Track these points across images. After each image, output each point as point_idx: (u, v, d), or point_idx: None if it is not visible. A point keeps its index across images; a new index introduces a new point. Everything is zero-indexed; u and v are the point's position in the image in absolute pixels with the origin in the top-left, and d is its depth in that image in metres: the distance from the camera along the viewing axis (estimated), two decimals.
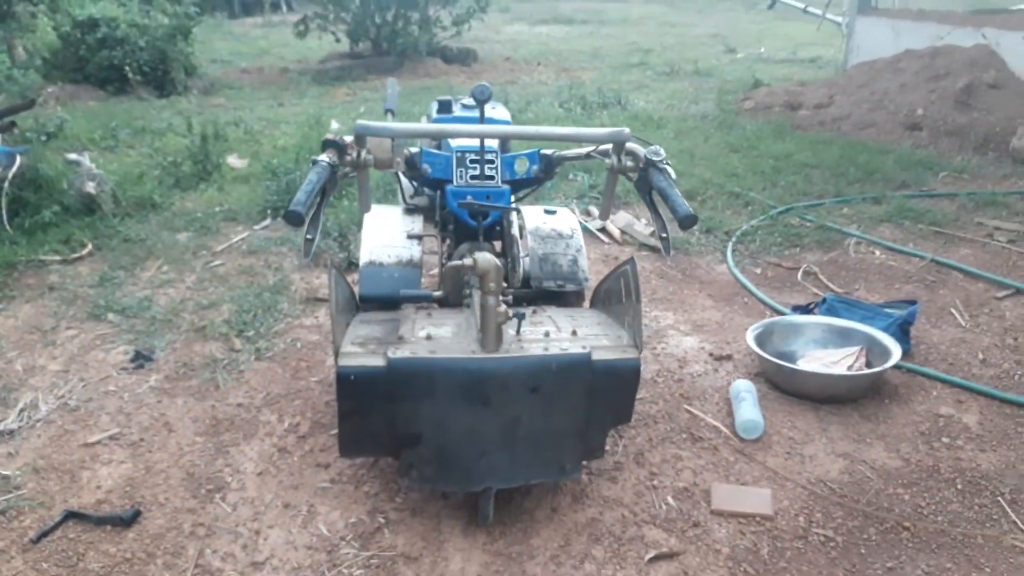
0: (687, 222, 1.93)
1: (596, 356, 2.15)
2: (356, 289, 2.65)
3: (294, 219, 1.79)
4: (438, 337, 2.24)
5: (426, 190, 2.87)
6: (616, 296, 2.44)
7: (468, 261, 2.13)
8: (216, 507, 2.42)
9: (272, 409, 2.96)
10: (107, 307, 3.80)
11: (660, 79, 11.05)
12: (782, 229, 4.81)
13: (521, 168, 2.55)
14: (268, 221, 5.13)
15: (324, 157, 1.99)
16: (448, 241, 2.94)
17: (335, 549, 2.24)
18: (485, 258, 2.11)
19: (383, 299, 2.63)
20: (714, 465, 2.61)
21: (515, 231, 2.88)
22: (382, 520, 2.36)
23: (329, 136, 2.02)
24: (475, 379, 2.10)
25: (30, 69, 10.74)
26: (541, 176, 2.55)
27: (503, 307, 2.13)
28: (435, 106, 3.16)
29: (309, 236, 2.02)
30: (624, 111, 8.47)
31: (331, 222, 4.66)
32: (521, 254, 2.87)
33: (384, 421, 2.15)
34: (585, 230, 4.87)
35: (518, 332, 2.25)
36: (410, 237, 2.82)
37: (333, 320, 2.17)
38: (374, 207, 3.03)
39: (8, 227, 4.70)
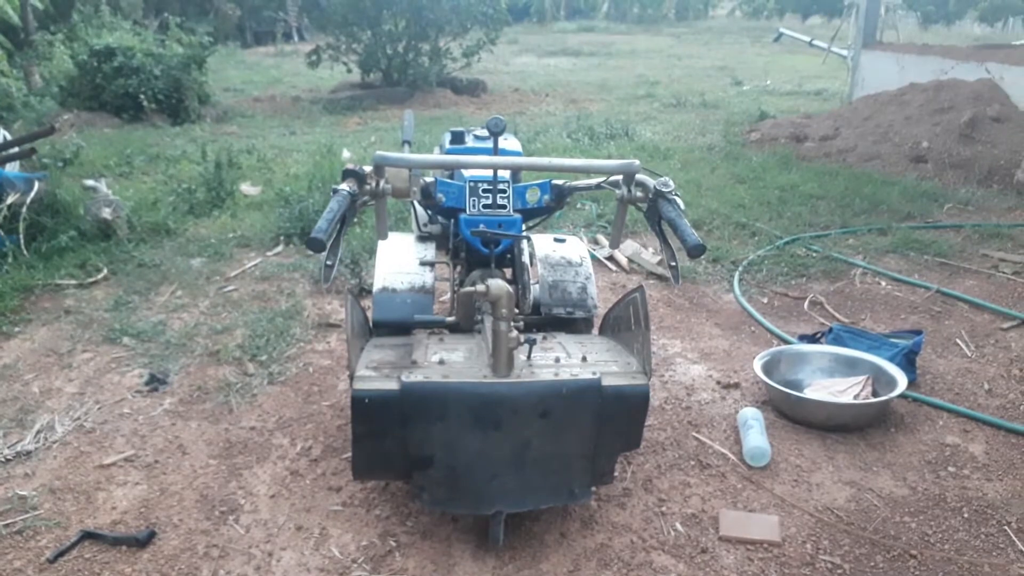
0: (696, 251, 1.98)
1: (606, 382, 2.19)
2: (369, 315, 2.70)
3: (316, 246, 1.84)
4: (451, 362, 2.29)
5: (440, 218, 2.93)
6: (625, 323, 2.49)
7: (481, 287, 2.18)
8: (230, 529, 2.45)
9: (285, 432, 3.00)
10: (122, 331, 3.86)
11: (667, 111, 11.18)
12: (788, 259, 4.86)
13: (532, 198, 2.61)
14: (281, 247, 5.20)
15: (344, 186, 2.05)
16: (460, 268, 3.00)
17: (347, 571, 2.27)
18: (497, 284, 2.17)
19: (396, 324, 2.68)
20: (722, 492, 2.64)
21: (526, 259, 2.93)
22: (393, 543, 2.38)
23: (350, 166, 2.09)
24: (487, 403, 2.15)
25: (47, 96, 10.95)
26: (552, 205, 2.61)
27: (514, 332, 2.18)
28: (448, 137, 3.23)
29: (329, 262, 2.08)
30: (631, 142, 8.57)
31: (343, 249, 4.72)
32: (531, 281, 2.92)
33: (397, 444, 2.19)
34: (593, 258, 4.93)
35: (529, 357, 2.29)
36: (423, 264, 2.88)
37: (349, 344, 2.22)
38: (392, 236, 3.10)
39: (26, 251, 4.78)
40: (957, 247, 5.11)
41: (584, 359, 2.32)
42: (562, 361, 2.30)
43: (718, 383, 3.38)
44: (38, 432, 2.98)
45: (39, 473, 2.74)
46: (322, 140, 8.78)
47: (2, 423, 3.04)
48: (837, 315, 4.08)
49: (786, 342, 3.69)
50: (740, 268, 4.70)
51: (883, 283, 4.53)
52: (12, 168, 5.64)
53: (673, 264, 2.23)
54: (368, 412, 2.14)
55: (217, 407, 3.18)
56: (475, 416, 2.15)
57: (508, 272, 3.04)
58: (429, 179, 2.51)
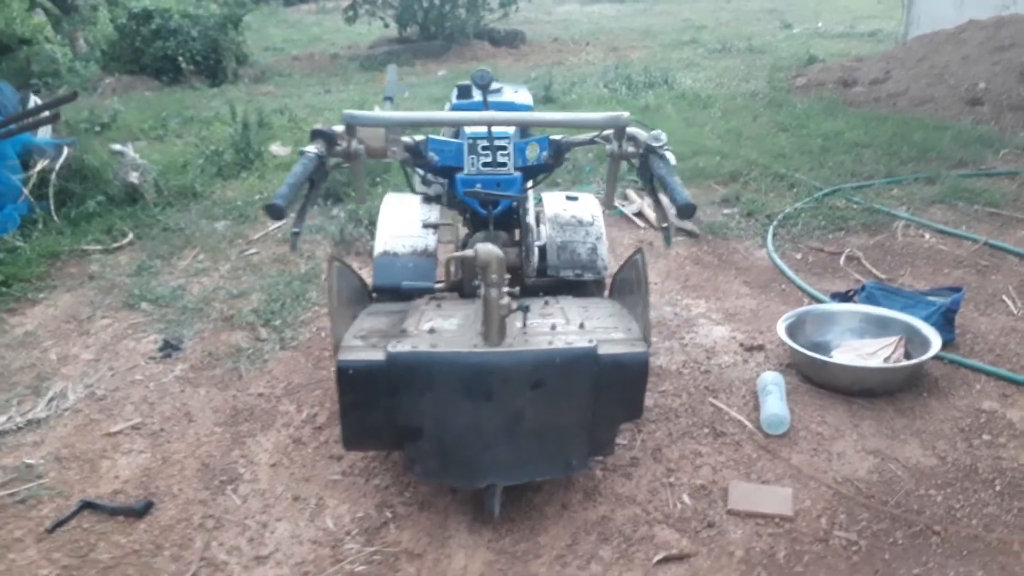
0: (686, 211, 1.84)
1: (603, 350, 2.07)
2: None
3: (275, 213, 1.76)
4: (442, 330, 2.19)
5: (436, 179, 2.81)
6: (628, 286, 2.36)
7: (469, 252, 2.08)
8: (227, 499, 2.43)
9: (292, 399, 2.96)
10: (141, 296, 3.86)
11: (711, 57, 10.77)
12: (827, 212, 4.62)
13: (532, 154, 2.47)
14: None
15: (312, 148, 1.95)
16: (467, 230, 2.89)
17: (339, 544, 2.23)
18: (486, 249, 2.06)
19: (395, 290, 2.60)
20: (735, 462, 2.51)
21: (531, 219, 2.81)
22: (389, 515, 2.33)
23: (318, 126, 1.98)
24: (476, 373, 2.05)
25: (91, 61, 11.06)
26: (551, 162, 2.47)
27: (506, 299, 2.07)
28: (455, 91, 3.10)
29: (296, 230, 1.99)
30: (671, 90, 8.28)
31: (363, 210, 4.64)
32: (536, 242, 2.80)
33: (385, 415, 2.12)
34: (620, 214, 4.77)
35: (524, 325, 2.19)
36: (426, 226, 2.78)
37: (332, 313, 2.14)
38: (391, 195, 3.00)
39: (56, 217, 4.83)
40: (1011, 196, 4.80)
41: (582, 326, 2.20)
42: (558, 328, 2.19)
43: (741, 345, 3.23)
44: (50, 400, 3.00)
45: (48, 441, 2.75)
46: (356, 98, 8.70)
47: (17, 391, 3.07)
48: (875, 271, 3.86)
49: (818, 300, 3.51)
50: (775, 222, 4.49)
51: (927, 236, 4.28)
52: (43, 134, 5.70)
53: (665, 225, 2.09)
54: (353, 383, 2.07)
55: (227, 373, 3.16)
56: (464, 387, 2.06)
57: (517, 233, 2.93)
58: (420, 138, 2.40)
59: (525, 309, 2.13)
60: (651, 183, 2.06)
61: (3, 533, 2.31)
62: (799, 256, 4.11)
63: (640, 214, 4.76)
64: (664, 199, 2.03)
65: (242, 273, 4.16)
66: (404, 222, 2.79)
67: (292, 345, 3.36)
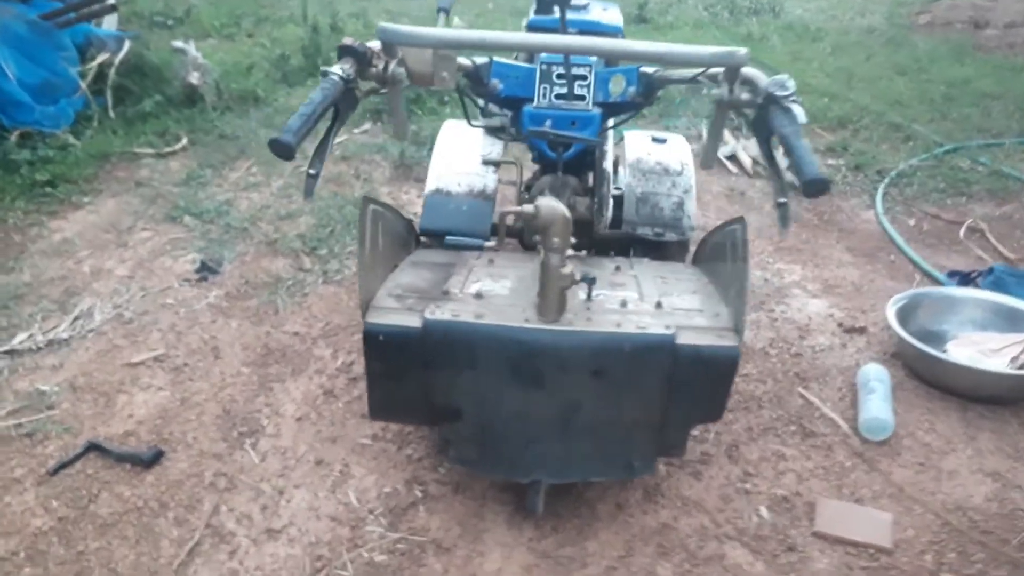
0: (813, 188, 1.43)
1: (682, 339, 1.70)
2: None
3: (282, 151, 1.42)
4: (490, 295, 1.85)
5: (498, 110, 2.42)
6: (721, 258, 1.96)
7: (527, 209, 1.71)
8: (244, 455, 2.19)
9: (328, 342, 2.69)
10: (186, 209, 3.62)
11: None
12: (947, 172, 4.07)
13: (616, 88, 2.06)
14: (368, 125, 4.82)
15: (337, 69, 1.59)
16: (535, 168, 2.52)
17: (360, 524, 1.96)
18: (549, 206, 1.68)
19: (446, 235, 2.27)
20: (825, 471, 2.14)
21: (608, 164, 2.41)
22: (419, 493, 2.05)
23: (348, 41, 1.61)
24: (526, 354, 1.71)
25: None
26: (639, 100, 2.06)
27: (568, 268, 1.71)
28: (533, 6, 2.68)
29: (312, 171, 1.65)
30: (776, 19, 7.56)
31: (427, 131, 4.28)
32: (612, 192, 2.41)
33: (418, 389, 1.81)
34: None
35: (588, 297, 1.82)
36: (486, 163, 2.42)
37: (362, 266, 1.82)
38: (449, 123, 2.64)
39: (111, 113, 4.61)
40: None
41: (659, 305, 1.82)
42: (629, 306, 1.82)
43: (839, 325, 2.80)
44: (76, 319, 2.79)
45: (67, 366, 2.55)
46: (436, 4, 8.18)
47: (43, 305, 2.87)
48: (1001, 248, 3.35)
49: (933, 279, 3.04)
50: (887, 180, 3.96)
51: None
52: (109, 25, 5.46)
53: (782, 201, 1.67)
54: (383, 351, 1.76)
55: (263, 306, 2.90)
56: (512, 368, 1.73)
57: (591, 177, 2.54)
58: (482, 60, 2.01)
59: (591, 281, 1.76)
60: (768, 143, 1.64)
61: (3, 471, 2.12)
62: (912, 222, 3.60)
63: (734, 157, 4.27)
64: (780, 160, 1.62)
65: (294, 192, 3.87)
66: (461, 156, 2.44)
67: (336, 279, 3.08)
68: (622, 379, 1.73)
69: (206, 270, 3.12)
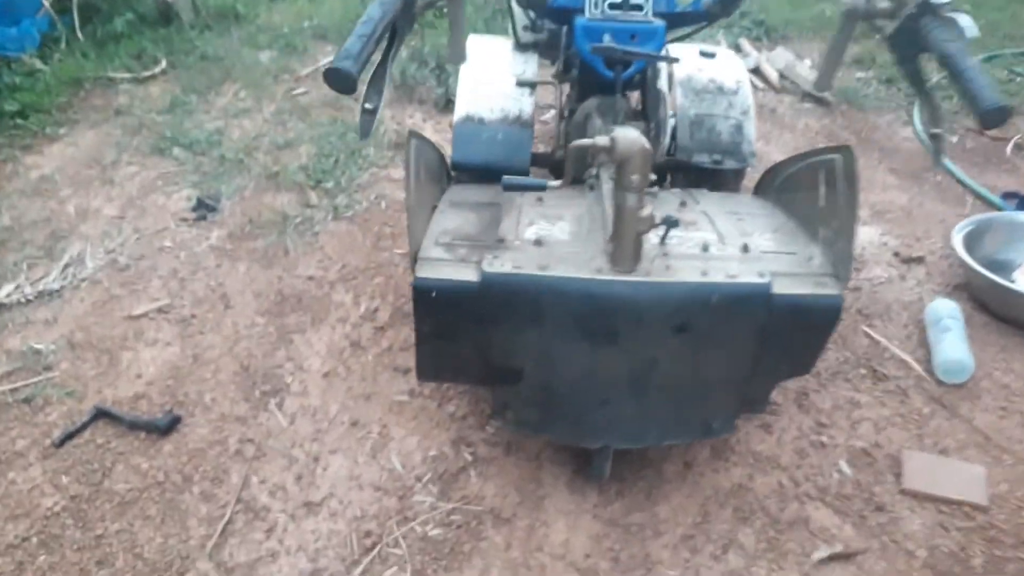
0: (991, 118, 1.21)
1: (779, 287, 1.50)
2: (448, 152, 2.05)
3: (342, 82, 1.16)
4: (551, 241, 1.62)
5: (547, 23, 2.15)
6: (806, 192, 1.74)
7: (602, 140, 1.47)
8: (270, 417, 1.99)
9: (347, 286, 2.47)
10: (174, 140, 3.32)
11: None
12: None
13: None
14: None
15: None
16: (570, 91, 2.26)
17: (408, 494, 1.78)
18: (628, 138, 1.44)
19: (481, 169, 2.04)
20: (903, 418, 1.99)
21: (663, 83, 2.17)
22: (469, 457, 1.87)
23: None
24: (600, 309, 1.51)
25: None
26: (715, 10, 1.80)
27: (647, 210, 1.48)
28: None
29: (369, 105, 1.39)
30: None
31: (429, 47, 3.95)
32: (668, 114, 2.17)
33: (474, 348, 1.60)
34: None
35: (663, 241, 1.61)
36: (520, 84, 2.16)
37: (410, 209, 1.58)
38: (475, 38, 2.36)
39: (79, 34, 4.22)
40: None
41: (745, 248, 1.61)
42: (712, 250, 1.61)
43: (896, 255, 2.62)
44: (66, 266, 2.54)
45: (61, 320, 2.31)
46: None
47: (28, 251, 2.61)
48: None
49: (986, 201, 2.85)
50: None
51: None
52: None
53: (936, 132, 1.45)
54: (435, 308, 1.54)
55: (271, 247, 2.65)
56: (583, 325, 1.52)
57: (634, 98, 2.30)
58: None
59: (672, 224, 1.54)
60: (914, 63, 1.41)
61: (4, 442, 1.91)
62: (954, 139, 3.38)
63: (757, 70, 4.00)
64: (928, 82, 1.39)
65: (288, 118, 3.57)
66: (493, 78, 2.18)
67: (347, 215, 2.83)
68: (708, 334, 1.54)
69: (203, 208, 2.85)
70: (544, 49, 2.34)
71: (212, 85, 3.89)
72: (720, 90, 2.14)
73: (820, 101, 3.66)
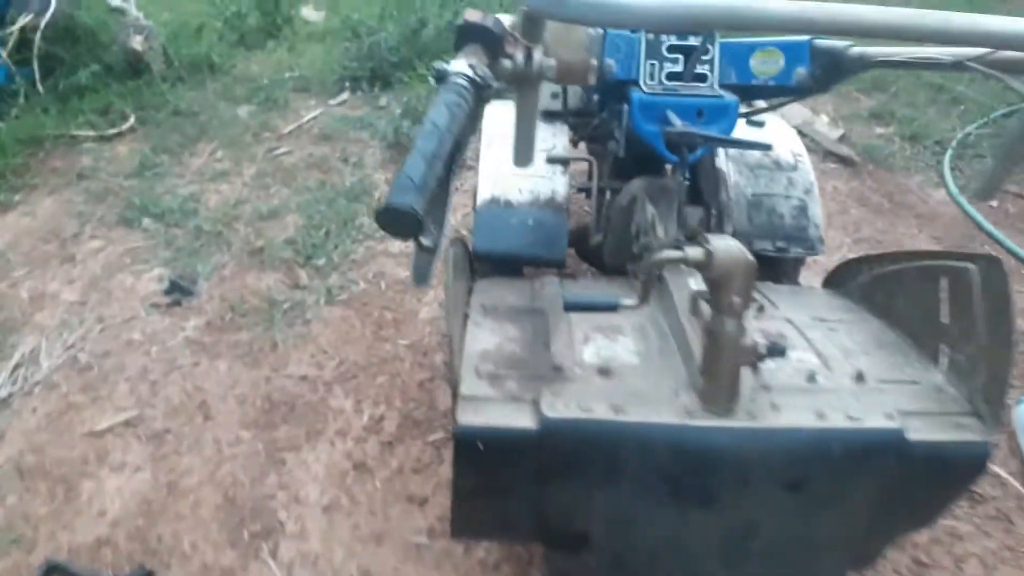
0: None
1: (914, 433, 1.20)
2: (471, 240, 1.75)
3: (404, 226, 0.84)
4: (618, 369, 1.30)
5: (596, 97, 1.88)
6: (916, 301, 1.45)
7: (695, 253, 1.17)
8: (263, 569, 1.64)
9: (346, 388, 2.14)
10: (143, 208, 2.98)
11: None
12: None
13: (764, 67, 1.54)
14: (346, 95, 4.17)
15: (463, 66, 1.00)
16: (602, 167, 1.97)
17: None
18: (729, 251, 1.14)
19: (510, 260, 1.74)
20: (1012, 552, 1.69)
21: (722, 162, 1.89)
22: None
23: (473, 17, 1.03)
24: (693, 463, 1.19)
25: None
26: (810, 84, 1.53)
27: (755, 338, 1.18)
28: None
29: (426, 241, 1.06)
30: None
31: (423, 97, 3.66)
32: (732, 199, 1.89)
33: (528, 506, 1.28)
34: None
35: (755, 370, 1.30)
36: (551, 161, 1.88)
37: (453, 330, 1.28)
38: (495, 107, 2.09)
39: (40, 87, 3.87)
40: None
41: (859, 377, 1.31)
42: (819, 379, 1.30)
43: None
44: (16, 367, 2.18)
45: (9, 438, 1.95)
46: None
47: None
48: None
49: None
50: (949, 152, 3.50)
51: None
52: None
53: None
54: (483, 462, 1.22)
55: (256, 340, 2.31)
56: (670, 482, 1.21)
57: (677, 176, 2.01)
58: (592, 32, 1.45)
59: (780, 353, 1.24)
60: None
61: None
62: (994, 203, 3.15)
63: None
64: None
65: (271, 182, 3.25)
66: None
67: (342, 299, 2.50)
68: (825, 490, 1.23)
69: (178, 291, 2.51)
70: (573, 118, 2.06)
71: (186, 144, 3.56)
72: (777, 165, 1.88)
73: (845, 161, 3.43)
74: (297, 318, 2.40)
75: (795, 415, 1.21)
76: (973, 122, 3.80)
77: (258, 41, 4.87)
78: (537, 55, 1.05)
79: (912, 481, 1.23)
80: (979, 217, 2.97)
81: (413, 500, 1.78)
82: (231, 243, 2.78)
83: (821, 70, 1.48)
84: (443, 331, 1.55)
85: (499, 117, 2.02)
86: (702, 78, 1.57)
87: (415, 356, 2.25)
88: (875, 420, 1.20)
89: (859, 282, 1.66)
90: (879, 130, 3.81)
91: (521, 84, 1.10)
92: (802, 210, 1.84)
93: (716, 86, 1.56)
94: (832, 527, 1.28)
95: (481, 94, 0.96)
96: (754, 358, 1.18)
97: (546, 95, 1.99)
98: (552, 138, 1.95)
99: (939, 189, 3.26)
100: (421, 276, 1.02)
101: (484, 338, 1.40)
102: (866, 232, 2.92)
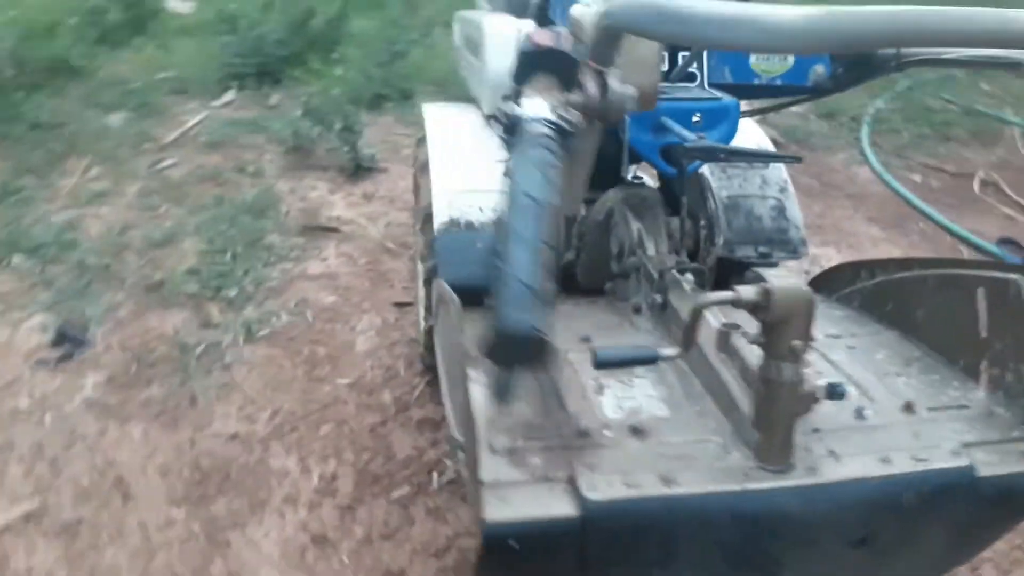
0: None
1: (985, 470, 1.08)
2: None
3: (530, 352, 0.61)
4: (651, 425, 1.12)
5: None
6: (941, 312, 1.34)
7: (749, 294, 0.99)
8: None
9: (286, 444, 1.87)
10: (11, 243, 2.57)
11: None
12: (922, 114, 3.69)
13: (769, 65, 1.38)
14: (231, 95, 3.81)
15: (543, 110, 0.76)
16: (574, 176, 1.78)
17: None
18: (789, 291, 0.98)
19: (483, 293, 1.53)
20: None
21: (707, 170, 1.73)
22: None
23: (543, 39, 0.80)
24: (760, 530, 1.04)
25: None
26: (828, 84, 1.38)
27: (812, 383, 1.03)
28: None
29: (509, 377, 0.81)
30: None
31: (322, 98, 3.35)
32: (719, 211, 1.73)
33: None
34: None
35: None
36: (508, 174, 1.66)
37: (453, 398, 1.07)
38: (433, 108, 1.88)
39: None
40: None
41: (909, 408, 1.18)
42: (868, 414, 1.17)
43: None
44: None
45: None
46: None
47: None
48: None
49: (981, 250, 2.62)
50: (865, 126, 3.51)
51: None
52: None
53: None
54: (515, 562, 1.01)
55: (171, 395, 2.00)
56: (732, 553, 1.05)
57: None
58: None
59: (840, 395, 1.09)
60: None
61: None
62: (917, 179, 3.17)
63: None
64: None
65: (160, 200, 2.89)
66: (474, 166, 1.69)
67: (263, 335, 2.21)
68: (895, 538, 1.10)
69: (67, 341, 2.16)
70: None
71: (52, 162, 3.13)
72: (752, 169, 1.75)
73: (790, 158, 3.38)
74: (215, 363, 2.10)
75: (858, 464, 1.07)
76: (880, 96, 3.83)
77: (122, 38, 4.40)
78: (615, 83, 0.83)
79: (980, 515, 1.12)
80: (911, 196, 2.96)
81: (390, 575, 1.55)
82: (123, 278, 2.43)
83: (844, 69, 1.33)
84: (443, 394, 1.33)
85: (442, 122, 1.80)
86: (691, 78, 1.40)
87: (359, 397, 2.00)
88: (942, 459, 1.08)
89: (858, 289, 1.55)
90: (794, 108, 3.79)
91: (604, 118, 0.88)
92: (780, 211, 1.73)
93: (706, 85, 1.40)
94: (898, 571, 1.16)
95: (569, 144, 0.75)
96: (812, 404, 1.03)
97: (497, 95, 1.76)
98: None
99: (863, 167, 3.26)
100: (503, 390, 0.79)
101: (487, 400, 1.19)
102: (806, 216, 2.86)
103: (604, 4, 0.76)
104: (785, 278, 1.00)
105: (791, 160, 1.42)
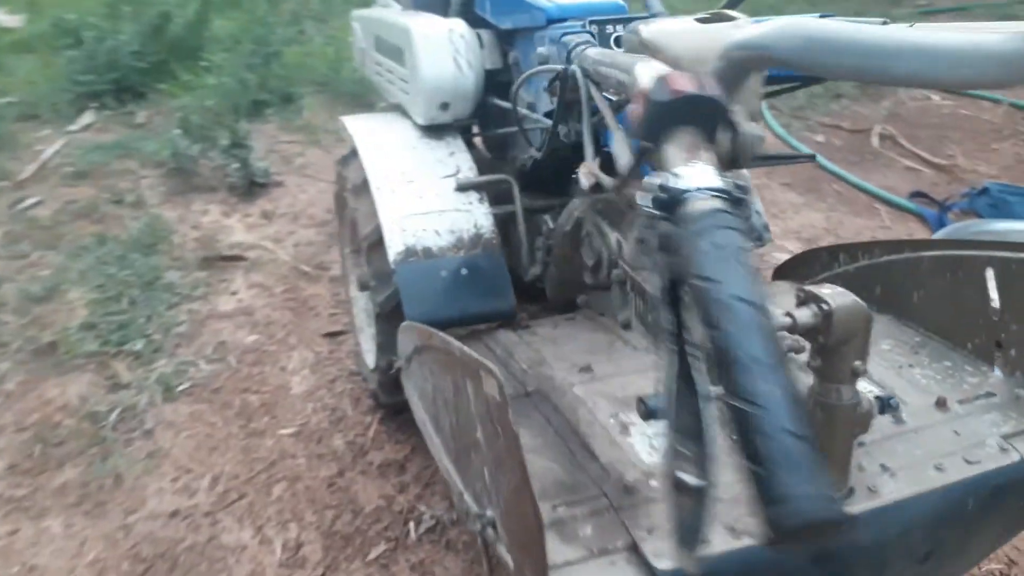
0: None
1: None
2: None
3: (826, 527, 0.48)
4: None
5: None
6: (952, 300, 1.30)
7: (805, 316, 0.90)
8: None
9: (235, 513, 1.66)
10: None
11: None
12: None
13: None
14: (89, 116, 3.43)
15: (707, 177, 0.60)
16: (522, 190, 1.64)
17: None
18: (849, 309, 0.90)
19: (451, 326, 1.40)
20: None
21: None
22: None
23: (684, 85, 0.64)
24: (833, 565, 0.96)
25: None
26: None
27: (869, 400, 0.96)
28: None
29: (690, 479, 0.66)
30: None
31: (202, 114, 3.06)
32: None
33: None
34: None
35: None
36: (462, 189, 1.53)
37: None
38: (352, 120, 1.71)
39: None
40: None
41: (942, 404, 1.14)
42: (906, 418, 1.11)
43: None
44: None
45: None
46: None
47: None
48: (921, 152, 3.07)
49: (896, 206, 2.67)
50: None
51: (933, 97, 3.54)
52: None
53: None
54: None
55: (90, 476, 1.74)
56: None
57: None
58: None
59: (894, 408, 1.02)
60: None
61: None
62: (820, 138, 3.22)
63: None
64: None
65: (31, 246, 2.56)
66: (420, 183, 1.54)
67: (184, 390, 1.97)
68: (955, 548, 1.06)
69: None
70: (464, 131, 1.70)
71: None
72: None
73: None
74: (134, 431, 1.85)
75: (915, 477, 1.01)
76: None
77: None
78: (743, 123, 0.70)
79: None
80: (828, 164, 2.98)
81: None
82: (5, 343, 2.11)
83: None
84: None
85: (373, 137, 1.63)
86: None
87: (308, 447, 1.81)
88: (992, 458, 1.04)
89: (838, 274, 1.50)
90: None
91: (736, 165, 0.75)
92: None
93: None
94: (956, 566, 1.12)
95: (747, 216, 0.61)
96: (869, 424, 0.96)
97: (433, 105, 1.59)
98: (450, 158, 1.58)
99: (766, 132, 3.28)
100: (690, 537, 0.65)
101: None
102: None
103: (735, 34, 0.63)
104: (842, 295, 0.91)
105: (806, 159, 1.34)
